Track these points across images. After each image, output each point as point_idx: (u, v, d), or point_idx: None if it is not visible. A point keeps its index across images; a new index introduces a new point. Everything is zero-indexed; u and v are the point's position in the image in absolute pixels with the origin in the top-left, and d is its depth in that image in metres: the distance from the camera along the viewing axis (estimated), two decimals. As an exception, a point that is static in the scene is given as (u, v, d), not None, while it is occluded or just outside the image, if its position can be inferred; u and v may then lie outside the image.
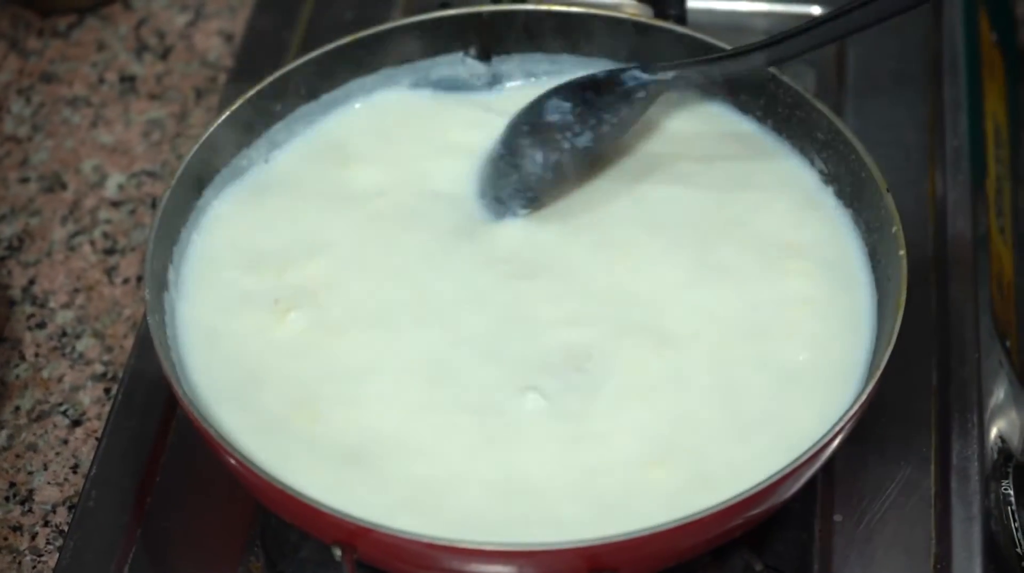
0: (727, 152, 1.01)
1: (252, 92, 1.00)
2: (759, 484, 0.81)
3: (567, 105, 0.98)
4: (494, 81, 1.05)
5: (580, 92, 0.98)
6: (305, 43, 1.19)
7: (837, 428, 0.84)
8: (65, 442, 1.02)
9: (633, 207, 0.98)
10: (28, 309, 1.09)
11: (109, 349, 1.07)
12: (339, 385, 0.91)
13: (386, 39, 1.04)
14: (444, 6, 1.07)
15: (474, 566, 0.81)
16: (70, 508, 0.99)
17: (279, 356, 0.92)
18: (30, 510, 0.99)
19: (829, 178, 0.99)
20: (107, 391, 1.05)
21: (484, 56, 1.05)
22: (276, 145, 1.02)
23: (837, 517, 0.95)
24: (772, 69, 0.99)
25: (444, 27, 1.04)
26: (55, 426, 1.03)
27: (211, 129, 0.98)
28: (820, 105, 0.98)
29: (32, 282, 1.11)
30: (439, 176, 1.00)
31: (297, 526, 0.89)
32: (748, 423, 0.89)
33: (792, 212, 0.98)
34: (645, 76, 0.97)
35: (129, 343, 1.06)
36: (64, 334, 1.08)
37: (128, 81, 1.23)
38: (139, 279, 1.10)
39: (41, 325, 1.08)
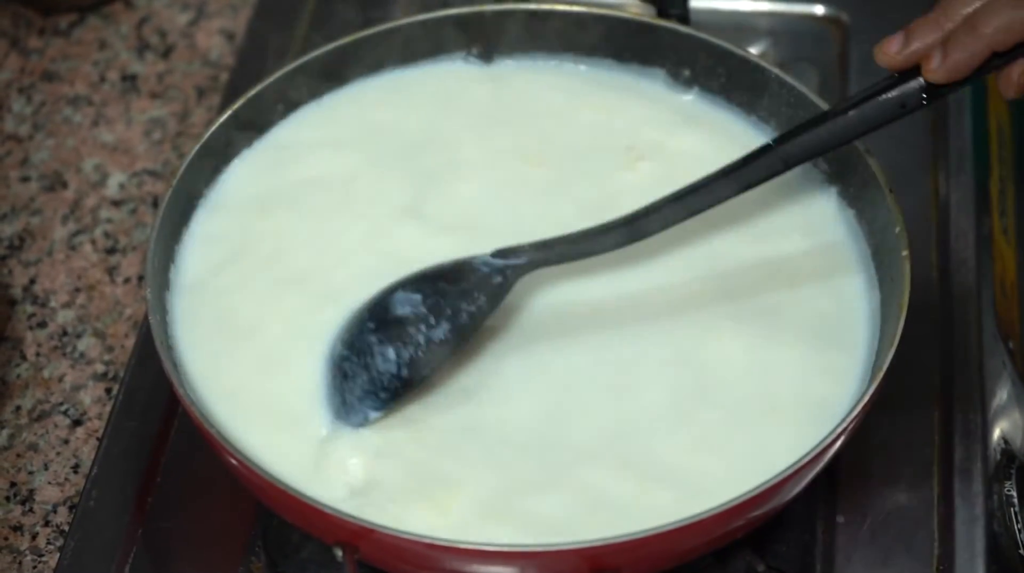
0: (730, 155, 1.01)
1: (253, 91, 1.00)
2: (761, 485, 0.81)
3: (416, 297, 0.90)
4: None
5: (430, 283, 0.91)
6: (306, 42, 1.19)
7: (839, 429, 0.84)
8: (66, 442, 1.02)
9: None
10: (29, 308, 1.09)
11: (110, 349, 1.07)
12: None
13: (388, 38, 1.03)
14: (447, 5, 1.07)
15: (475, 567, 0.81)
16: (71, 508, 0.99)
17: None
18: (31, 510, 0.99)
19: (832, 178, 0.98)
20: (108, 391, 1.05)
21: (486, 56, 1.05)
22: (277, 144, 1.02)
23: (840, 518, 0.95)
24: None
25: (446, 26, 1.04)
26: (56, 426, 1.03)
27: (212, 128, 0.98)
28: (823, 104, 0.98)
29: (33, 281, 1.11)
30: None
31: (298, 527, 0.89)
32: (748, 423, 0.89)
33: (795, 213, 0.98)
34: (499, 262, 0.91)
35: (130, 343, 1.06)
36: (65, 334, 1.08)
37: (129, 80, 1.23)
38: (140, 278, 1.10)
39: (42, 324, 1.08)
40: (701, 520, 0.80)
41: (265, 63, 1.18)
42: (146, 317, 0.93)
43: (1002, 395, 1.01)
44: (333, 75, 1.03)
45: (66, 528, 0.98)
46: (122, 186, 1.16)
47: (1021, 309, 1.07)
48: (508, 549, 0.80)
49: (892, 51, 0.86)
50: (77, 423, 1.03)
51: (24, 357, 1.07)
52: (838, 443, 0.85)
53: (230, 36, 1.25)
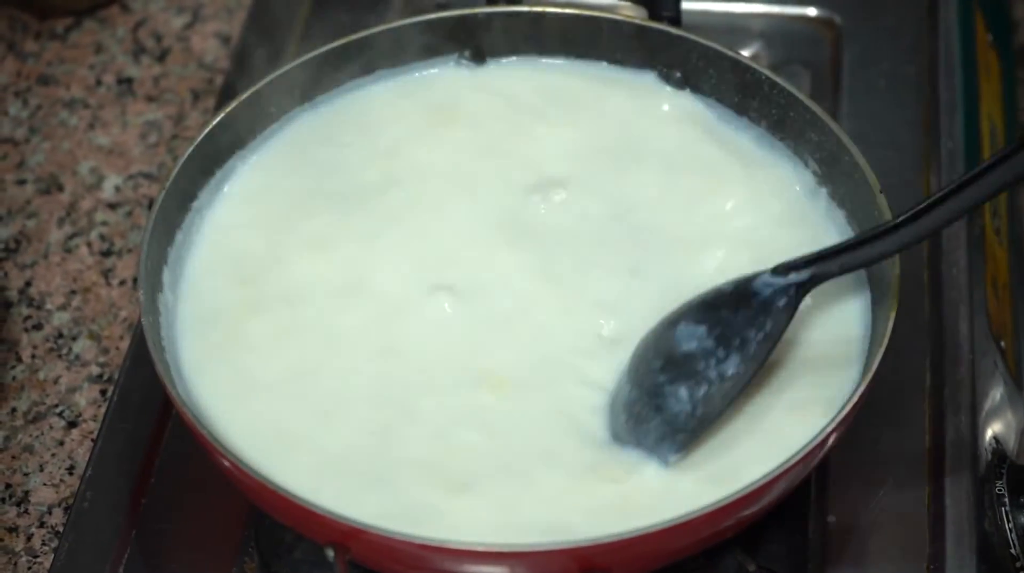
0: (719, 153, 1.01)
1: (247, 94, 1.00)
2: (751, 484, 0.81)
3: (701, 329, 0.87)
4: None
5: (712, 312, 0.88)
6: (301, 45, 1.19)
7: (830, 428, 0.84)
8: (61, 443, 1.03)
9: None
10: (25, 311, 1.09)
11: (105, 351, 1.07)
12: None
13: (382, 41, 1.04)
14: (440, 8, 1.08)
15: (466, 567, 0.81)
16: (66, 509, 0.99)
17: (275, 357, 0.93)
18: (26, 511, 1.00)
19: (823, 179, 0.99)
20: (103, 393, 1.05)
21: (479, 58, 1.05)
22: (273, 147, 1.02)
23: (831, 518, 0.95)
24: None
25: (439, 29, 1.04)
26: (51, 428, 1.03)
27: (206, 130, 0.98)
28: (814, 106, 0.98)
29: (29, 284, 1.11)
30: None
31: (290, 527, 0.89)
32: (740, 423, 0.89)
33: (785, 214, 0.98)
34: (780, 280, 0.87)
35: (125, 345, 1.07)
36: (60, 336, 1.08)
37: (125, 83, 1.23)
38: (135, 281, 1.10)
39: (38, 327, 1.09)
40: (692, 520, 0.80)
41: (260, 66, 1.18)
42: (140, 319, 0.93)
43: (994, 396, 1.01)
44: (328, 78, 1.03)
45: (61, 529, 0.98)
46: (118, 189, 1.16)
47: (1013, 310, 1.08)
48: (498, 549, 0.80)
49: None
50: (72, 425, 1.04)
51: (20, 359, 1.07)
52: (828, 442, 0.85)
53: (225, 39, 1.26)
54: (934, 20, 1.20)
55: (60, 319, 1.09)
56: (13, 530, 0.99)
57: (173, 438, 1.00)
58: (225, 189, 1.00)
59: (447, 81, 1.04)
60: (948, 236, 1.08)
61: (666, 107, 1.03)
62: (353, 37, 1.03)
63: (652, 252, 0.96)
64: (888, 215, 0.91)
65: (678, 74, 1.03)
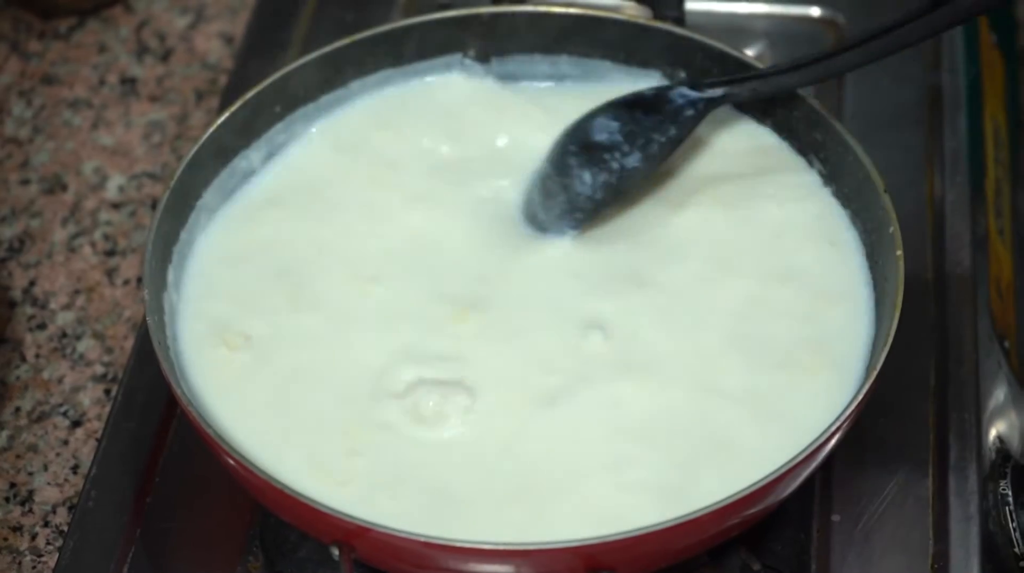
0: (722, 155, 1.01)
1: (251, 94, 1.00)
2: (755, 483, 0.81)
3: (615, 124, 0.96)
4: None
5: (628, 111, 0.97)
6: (305, 45, 1.19)
7: (833, 428, 0.84)
8: (65, 443, 1.03)
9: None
10: (29, 310, 1.10)
11: (109, 350, 1.07)
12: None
13: (386, 41, 1.04)
14: (444, 7, 1.08)
15: (471, 565, 0.81)
16: (70, 509, 0.99)
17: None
18: (30, 511, 1.00)
19: (827, 178, 0.99)
20: (107, 392, 1.05)
21: (483, 58, 1.05)
22: (276, 146, 1.02)
23: (835, 517, 0.95)
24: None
25: (443, 28, 1.04)
26: (55, 427, 1.03)
27: (210, 130, 0.98)
28: (819, 106, 0.98)
29: (33, 283, 1.11)
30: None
31: (295, 526, 0.89)
32: (738, 422, 0.89)
33: (790, 212, 0.98)
34: (694, 94, 0.96)
35: (129, 344, 1.07)
36: (64, 335, 1.08)
37: (129, 83, 1.23)
38: (139, 280, 1.10)
39: (42, 326, 1.09)
40: (696, 518, 0.81)
41: (263, 66, 1.18)
42: (145, 318, 0.93)
43: (998, 395, 1.01)
44: (331, 78, 1.03)
45: (65, 528, 0.98)
46: (121, 189, 1.17)
47: (1017, 310, 1.08)
48: (504, 548, 0.80)
49: None
50: (76, 424, 1.04)
51: (24, 359, 1.07)
52: (832, 442, 0.85)
53: (229, 39, 1.26)
54: (938, 20, 1.20)
55: (64, 319, 1.09)
56: (18, 529, 0.99)
57: (177, 437, 1.00)
58: (229, 187, 1.00)
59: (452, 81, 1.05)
60: (952, 236, 1.08)
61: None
62: (357, 37, 1.03)
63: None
64: (893, 216, 0.92)
65: (682, 74, 1.03)
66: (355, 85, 1.04)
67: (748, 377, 0.91)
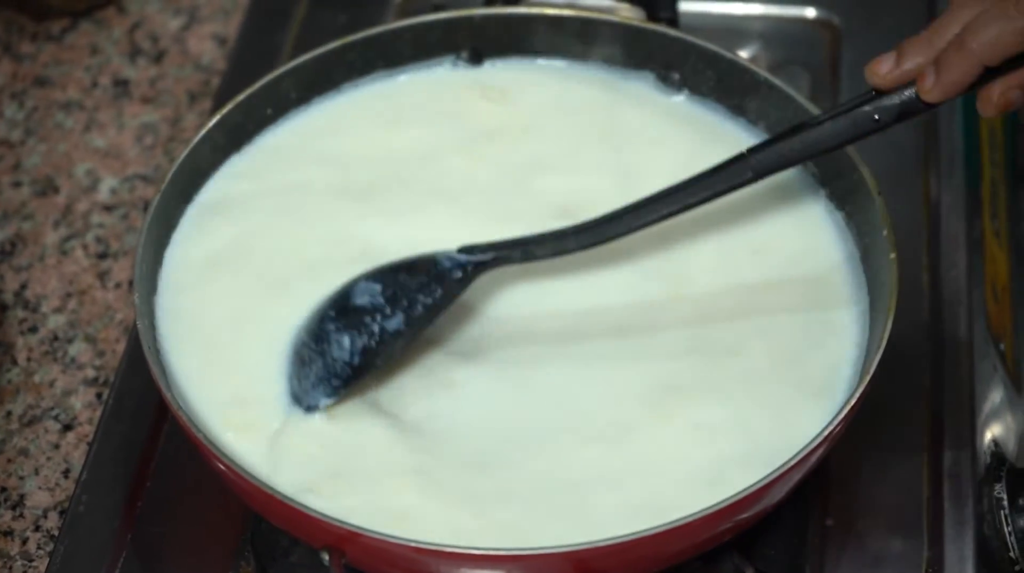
0: (719, 157, 1.01)
1: (243, 96, 1.00)
2: (747, 488, 0.81)
3: (377, 287, 0.92)
4: None
5: (392, 274, 0.92)
6: (298, 47, 1.19)
7: (827, 431, 0.84)
8: (56, 447, 1.02)
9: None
10: (20, 313, 1.09)
11: (101, 354, 1.07)
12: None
13: (378, 43, 1.03)
14: (437, 9, 1.07)
15: (462, 570, 0.81)
16: (61, 513, 0.99)
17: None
18: (21, 515, 0.99)
19: (822, 180, 0.98)
20: (99, 396, 1.05)
21: (475, 60, 1.05)
22: (269, 148, 1.02)
23: (829, 521, 0.95)
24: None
25: (435, 30, 1.04)
26: (46, 431, 1.03)
27: (202, 132, 0.98)
28: (813, 108, 0.98)
29: (24, 286, 1.11)
30: None
31: (286, 531, 0.89)
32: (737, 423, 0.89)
33: (784, 214, 0.98)
34: (463, 257, 0.92)
35: (121, 348, 1.06)
36: (56, 338, 1.08)
37: (121, 85, 1.23)
38: (131, 283, 1.10)
39: (33, 329, 1.08)
40: (688, 523, 0.80)
41: (257, 68, 1.18)
42: (135, 322, 0.93)
43: (993, 398, 1.01)
44: (324, 79, 1.03)
45: (56, 533, 0.98)
46: (114, 191, 1.16)
47: (1013, 312, 1.07)
48: (494, 553, 0.80)
49: (883, 71, 0.85)
50: (68, 428, 1.03)
51: (15, 362, 1.07)
52: (824, 446, 0.85)
53: (222, 41, 1.26)
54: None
55: (56, 322, 1.09)
56: (8, 534, 0.98)
57: (169, 441, 1.00)
58: (221, 191, 0.99)
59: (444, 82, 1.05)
60: (947, 238, 1.08)
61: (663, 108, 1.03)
62: (350, 39, 1.02)
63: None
64: (887, 219, 0.91)
65: (676, 75, 1.03)
66: (347, 87, 1.04)
67: (739, 379, 0.90)
